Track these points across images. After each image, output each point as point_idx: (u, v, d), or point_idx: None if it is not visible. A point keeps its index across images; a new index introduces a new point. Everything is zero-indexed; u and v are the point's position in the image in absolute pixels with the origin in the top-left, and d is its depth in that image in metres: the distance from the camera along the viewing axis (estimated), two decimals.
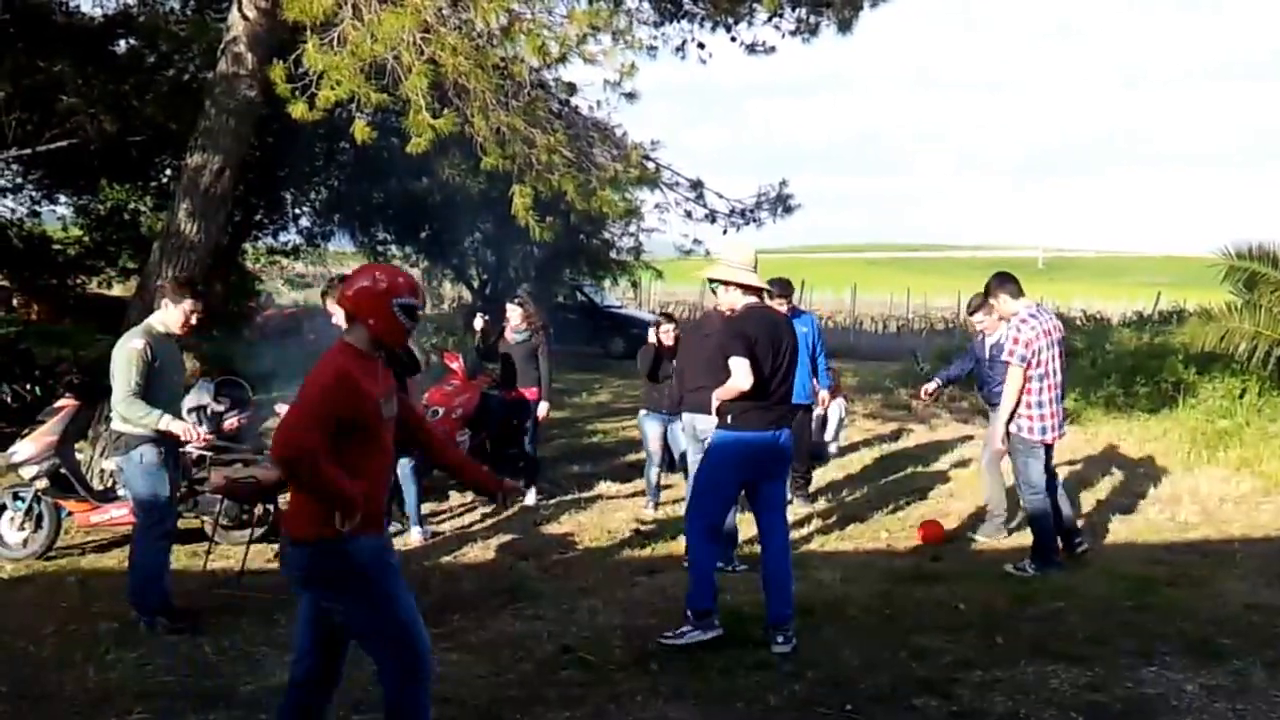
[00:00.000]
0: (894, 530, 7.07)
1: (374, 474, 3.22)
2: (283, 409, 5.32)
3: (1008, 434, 6.05)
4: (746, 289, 4.84)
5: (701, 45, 10.13)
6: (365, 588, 3.15)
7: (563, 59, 6.71)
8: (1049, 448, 6.06)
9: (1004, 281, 6.11)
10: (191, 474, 6.30)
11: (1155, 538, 6.90)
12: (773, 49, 10.01)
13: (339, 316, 5.13)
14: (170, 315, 5.12)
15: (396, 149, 9.49)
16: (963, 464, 9.21)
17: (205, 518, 6.45)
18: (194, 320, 5.15)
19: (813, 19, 9.40)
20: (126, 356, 4.94)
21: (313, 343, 10.13)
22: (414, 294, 3.25)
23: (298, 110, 6.63)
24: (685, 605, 4.77)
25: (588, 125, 8.36)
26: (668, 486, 7.77)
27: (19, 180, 14.98)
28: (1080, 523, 6.79)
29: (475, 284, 20.02)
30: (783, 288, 7.75)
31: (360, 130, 6.91)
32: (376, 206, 17.10)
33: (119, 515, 6.20)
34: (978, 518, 7.15)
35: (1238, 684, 4.32)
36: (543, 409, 7.82)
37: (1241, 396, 10.05)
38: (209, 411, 6.87)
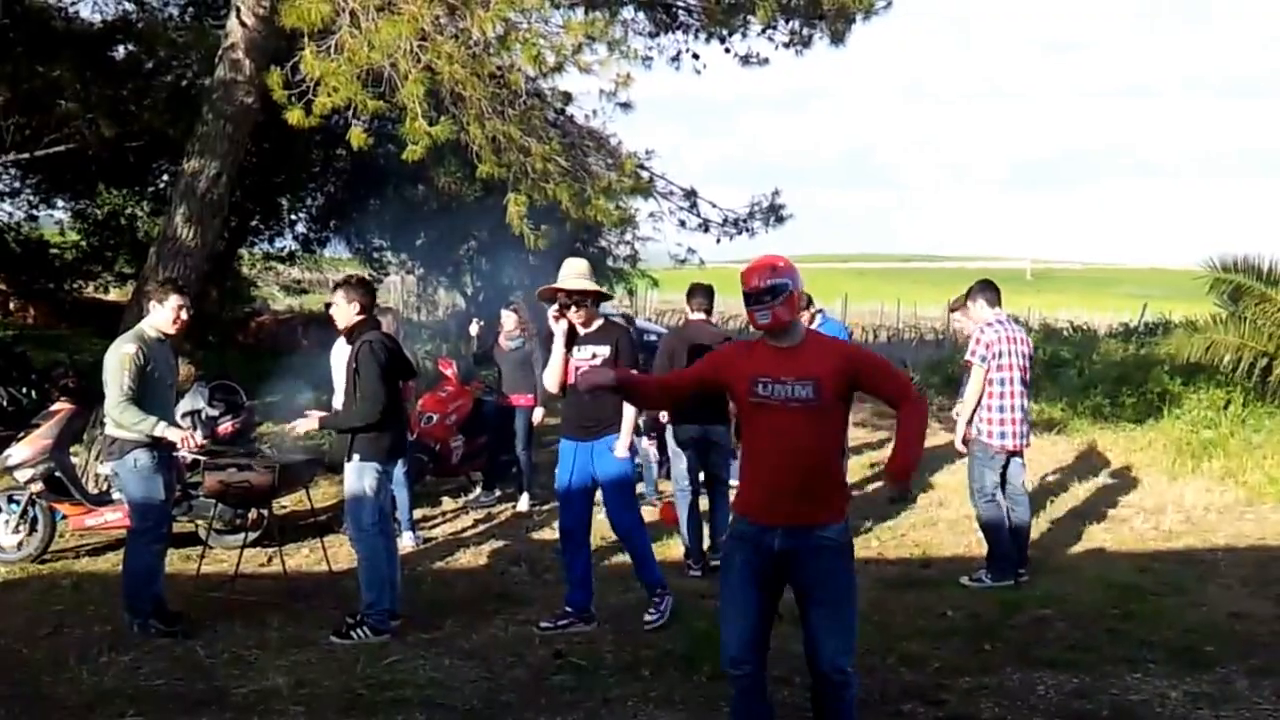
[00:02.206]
0: (883, 538, 7.12)
1: (753, 454, 3.41)
2: (301, 418, 5.33)
3: (967, 439, 6.04)
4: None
5: (696, 56, 10.19)
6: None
7: (558, 68, 6.76)
8: (1010, 458, 6.00)
9: (985, 289, 6.11)
10: (186, 478, 6.33)
11: (1140, 546, 6.96)
12: (766, 60, 10.06)
13: (338, 310, 5.18)
14: (159, 316, 5.12)
15: (393, 156, 9.52)
16: (951, 473, 9.26)
17: (199, 521, 6.48)
18: (183, 315, 5.12)
19: (806, 31, 9.43)
20: (119, 361, 4.93)
21: (307, 348, 10.14)
22: (745, 278, 3.35)
23: (294, 117, 6.66)
24: (646, 588, 5.15)
25: (583, 134, 8.43)
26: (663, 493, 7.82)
27: (17, 184, 15.04)
28: (1088, 530, 6.80)
29: (470, 291, 20.03)
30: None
31: (356, 137, 6.95)
32: (372, 213, 17.12)
33: (113, 518, 6.23)
34: (966, 527, 7.18)
35: (1221, 691, 4.38)
36: (538, 414, 7.86)
37: (1226, 407, 10.12)
38: (203, 416, 6.92)
